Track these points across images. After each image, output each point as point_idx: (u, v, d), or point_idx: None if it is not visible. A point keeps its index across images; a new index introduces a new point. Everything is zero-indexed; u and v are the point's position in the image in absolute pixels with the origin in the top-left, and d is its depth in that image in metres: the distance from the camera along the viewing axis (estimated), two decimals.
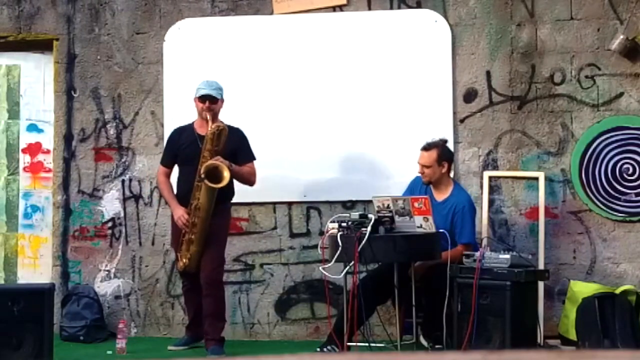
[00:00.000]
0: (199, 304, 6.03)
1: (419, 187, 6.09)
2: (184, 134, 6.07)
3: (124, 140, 6.87)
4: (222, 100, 6.00)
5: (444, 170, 6.01)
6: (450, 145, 6.43)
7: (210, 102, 5.91)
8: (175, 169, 6.16)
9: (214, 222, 5.89)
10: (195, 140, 5.93)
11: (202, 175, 5.71)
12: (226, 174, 5.73)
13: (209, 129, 5.81)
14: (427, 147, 6.01)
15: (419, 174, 6.04)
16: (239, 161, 5.95)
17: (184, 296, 6.39)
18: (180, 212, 5.89)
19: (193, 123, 6.08)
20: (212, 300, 5.94)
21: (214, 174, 5.75)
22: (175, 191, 6.08)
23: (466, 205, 5.97)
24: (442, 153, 6.01)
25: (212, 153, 5.77)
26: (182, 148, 6.02)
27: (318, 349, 5.75)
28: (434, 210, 5.67)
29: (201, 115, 5.96)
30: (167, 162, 6.14)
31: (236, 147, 5.96)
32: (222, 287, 6.11)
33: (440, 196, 6.00)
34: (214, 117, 5.90)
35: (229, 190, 5.99)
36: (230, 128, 5.93)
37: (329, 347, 5.74)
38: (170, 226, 6.24)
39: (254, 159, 6.06)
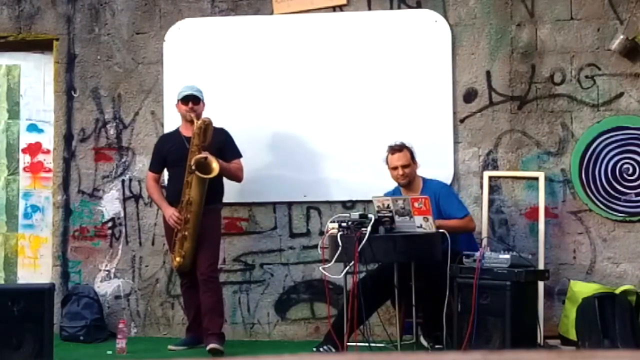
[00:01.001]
0: (198, 304, 6.08)
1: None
2: (170, 138, 6.26)
3: (124, 140, 6.87)
4: (204, 104, 6.15)
5: (416, 168, 6.03)
6: (450, 145, 6.47)
7: (193, 102, 6.07)
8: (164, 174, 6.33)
9: (205, 222, 6.00)
10: (182, 143, 6.07)
11: (193, 167, 5.81)
12: (215, 165, 5.87)
13: (195, 125, 5.92)
14: (398, 149, 5.99)
15: (399, 177, 5.97)
16: (226, 158, 6.08)
17: (183, 296, 6.42)
18: (170, 211, 6.01)
19: (178, 128, 6.25)
20: (210, 295, 6.02)
21: (203, 166, 5.87)
22: (165, 194, 6.21)
23: (443, 187, 6.06)
24: (411, 151, 6.03)
25: (200, 148, 5.89)
26: (170, 151, 6.15)
27: (314, 349, 5.74)
28: None
29: (185, 118, 6.11)
30: (156, 168, 6.28)
31: (222, 145, 6.09)
32: (219, 283, 6.21)
33: (415, 194, 5.99)
34: (198, 118, 5.99)
35: (219, 190, 6.13)
36: (215, 128, 6.03)
37: (325, 347, 5.73)
38: (163, 228, 6.32)
39: (241, 156, 6.19)
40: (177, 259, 6.01)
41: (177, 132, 6.23)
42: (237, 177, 6.19)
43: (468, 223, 5.93)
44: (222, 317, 6.13)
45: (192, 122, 5.99)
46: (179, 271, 6.22)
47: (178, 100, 6.14)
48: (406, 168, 5.97)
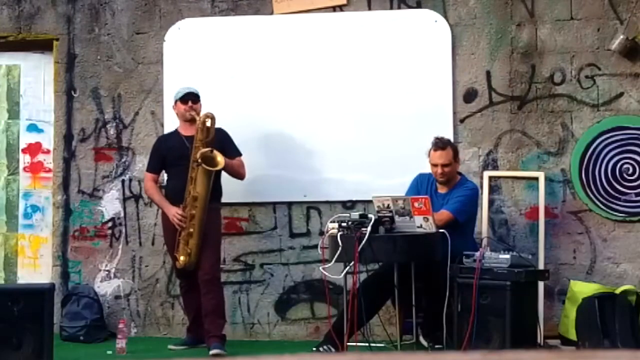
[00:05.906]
0: (198, 306, 6.06)
1: (425, 183, 6.05)
2: (169, 139, 6.27)
3: (124, 140, 6.87)
4: (201, 105, 6.14)
5: (457, 166, 6.02)
6: None
7: (192, 101, 6.08)
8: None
9: (207, 220, 5.98)
10: (182, 142, 6.07)
11: (199, 160, 5.80)
12: (220, 159, 5.89)
13: (198, 120, 5.93)
14: (442, 146, 5.92)
15: (438, 175, 5.93)
16: (227, 156, 6.07)
17: (182, 299, 6.43)
18: (173, 211, 5.99)
19: (176, 129, 6.25)
20: (212, 297, 5.99)
21: (209, 160, 5.88)
22: (164, 193, 6.21)
23: (466, 189, 5.95)
24: (455, 149, 6.01)
25: (204, 143, 5.90)
26: (170, 151, 6.15)
27: (314, 349, 5.74)
28: (435, 201, 5.66)
29: (185, 117, 6.10)
30: (155, 168, 6.26)
31: (222, 145, 6.09)
32: (221, 284, 6.18)
33: (445, 189, 5.99)
34: (198, 116, 6.02)
35: (217, 189, 6.11)
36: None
37: (325, 347, 5.73)
38: (163, 230, 6.30)
39: (241, 154, 6.19)
40: (182, 257, 5.95)
41: (175, 133, 6.23)
42: (240, 174, 6.17)
43: (439, 216, 5.70)
44: (223, 318, 6.11)
45: (192, 120, 6.00)
46: (181, 272, 6.16)
47: (176, 101, 6.14)
48: (446, 167, 5.91)
